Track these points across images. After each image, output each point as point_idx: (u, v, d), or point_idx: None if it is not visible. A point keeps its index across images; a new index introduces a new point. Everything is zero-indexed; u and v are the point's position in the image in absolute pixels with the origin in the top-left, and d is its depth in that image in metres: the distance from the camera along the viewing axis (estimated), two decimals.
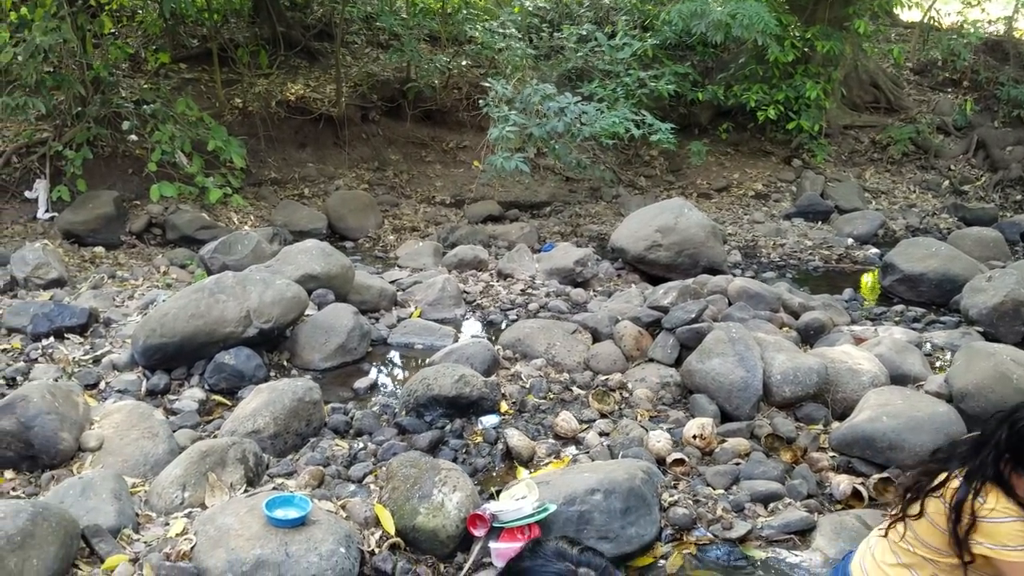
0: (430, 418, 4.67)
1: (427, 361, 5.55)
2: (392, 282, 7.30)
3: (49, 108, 8.26)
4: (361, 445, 4.40)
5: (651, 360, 5.48)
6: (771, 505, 3.84)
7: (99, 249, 8.24)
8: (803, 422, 4.68)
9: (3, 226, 8.32)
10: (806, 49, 11.85)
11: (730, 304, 6.04)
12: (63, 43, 7.62)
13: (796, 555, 3.53)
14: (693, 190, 11.70)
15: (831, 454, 4.32)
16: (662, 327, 5.57)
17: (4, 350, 5.59)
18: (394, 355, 6.10)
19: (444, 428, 4.59)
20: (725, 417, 4.75)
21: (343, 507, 3.65)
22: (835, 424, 4.59)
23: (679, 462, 4.17)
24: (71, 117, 8.61)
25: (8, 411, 4.01)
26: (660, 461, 4.23)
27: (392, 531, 3.48)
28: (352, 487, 3.88)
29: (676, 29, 10.93)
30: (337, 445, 4.41)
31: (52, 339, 5.71)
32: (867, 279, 8.42)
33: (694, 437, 4.39)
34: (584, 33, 10.87)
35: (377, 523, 3.54)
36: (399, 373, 5.83)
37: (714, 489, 3.95)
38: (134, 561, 3.19)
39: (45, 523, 2.96)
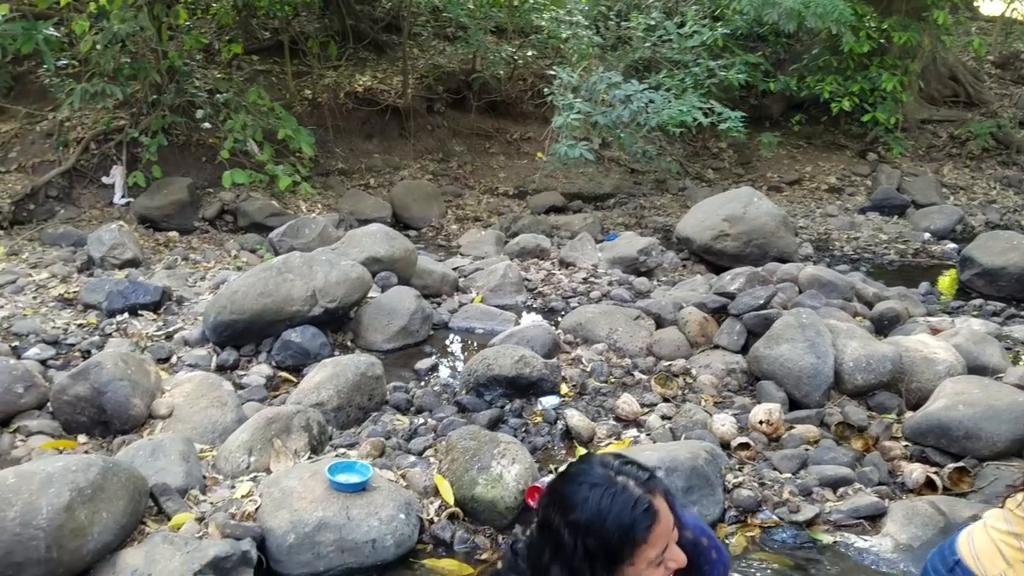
0: (490, 397, 4.66)
1: (488, 344, 5.54)
2: (454, 269, 7.33)
3: (126, 96, 8.53)
4: (421, 421, 4.42)
5: (716, 347, 5.36)
6: (840, 490, 3.71)
7: (173, 234, 8.48)
8: (875, 411, 4.52)
9: (81, 211, 8.63)
10: (882, 40, 11.47)
11: (800, 292, 5.88)
12: (140, 31, 7.86)
13: (865, 540, 3.40)
14: (763, 183, 11.45)
15: (904, 443, 4.15)
16: (728, 313, 5.45)
17: (80, 325, 5.79)
18: (455, 339, 6.12)
19: (504, 408, 4.57)
20: (793, 405, 4.61)
21: (403, 476, 3.67)
22: (908, 414, 4.42)
23: (744, 446, 4.07)
24: (147, 105, 8.88)
25: (82, 377, 4.14)
26: (724, 445, 4.13)
27: (451, 501, 3.48)
28: (412, 459, 3.89)
29: (747, 18, 10.69)
30: (398, 420, 4.43)
31: (126, 315, 5.89)
32: (944, 274, 8.10)
33: (760, 422, 4.27)
34: (653, 23, 10.73)
35: (436, 493, 3.55)
36: (460, 356, 5.84)
37: (781, 473, 3.84)
38: (200, 520, 3.26)
39: (115, 478, 3.04)
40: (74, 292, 6.34)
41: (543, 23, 10.00)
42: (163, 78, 8.87)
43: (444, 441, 3.90)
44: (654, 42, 10.61)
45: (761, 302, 5.26)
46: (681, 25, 10.75)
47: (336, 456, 3.78)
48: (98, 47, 7.81)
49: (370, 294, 5.99)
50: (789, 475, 3.81)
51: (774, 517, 3.53)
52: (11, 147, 9.06)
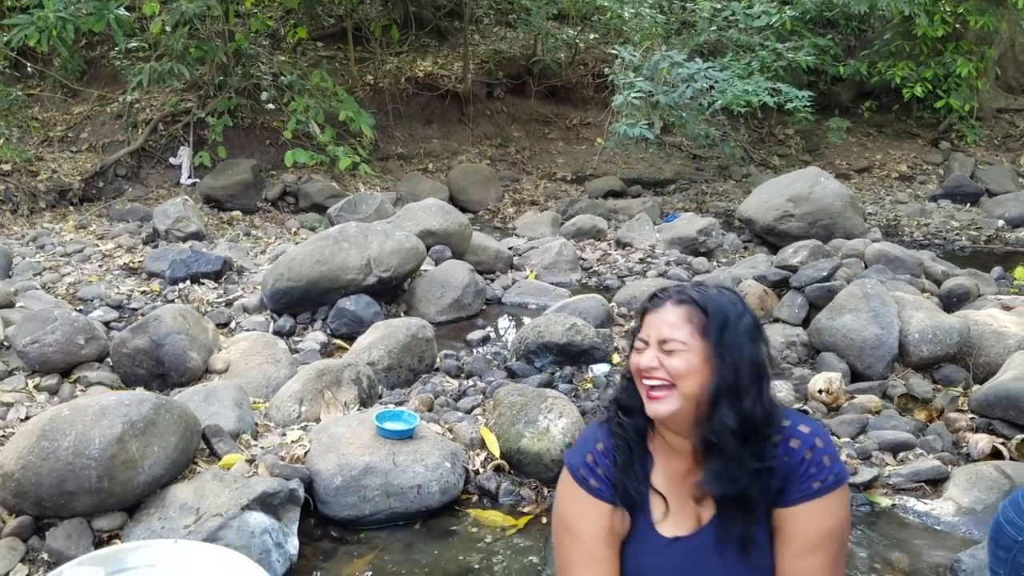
0: (540, 364, 4.62)
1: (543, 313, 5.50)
2: (509, 248, 7.30)
3: (194, 77, 8.75)
4: (471, 383, 4.40)
5: (776, 320, 5.21)
6: (901, 455, 3.55)
7: (236, 213, 8.67)
8: (940, 384, 4.32)
9: (149, 190, 8.88)
10: (957, 25, 11.06)
11: (866, 268, 5.68)
12: (207, 11, 8.04)
13: (925, 503, 3.24)
14: (831, 170, 11.10)
15: (970, 416, 3.95)
16: (790, 286, 5.30)
17: (144, 292, 5.95)
18: (507, 313, 6.09)
19: (554, 374, 4.52)
20: (856, 377, 4.44)
21: (450, 430, 3.66)
22: (975, 387, 4.21)
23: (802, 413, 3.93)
24: (214, 87, 9.10)
25: (141, 330, 4.24)
26: None
27: (497, 453, 3.45)
28: (460, 414, 3.87)
29: (817, 1, 10.42)
30: (447, 382, 4.43)
31: (188, 283, 6.03)
32: (1020, 262, 7.74)
33: (820, 391, 4.13)
34: (719, 6, 10.54)
35: (482, 445, 3.53)
36: (511, 328, 5.81)
37: (839, 437, 3.69)
38: (250, 461, 3.29)
39: (167, 415, 3.09)
40: (139, 261, 6.53)
41: (605, 3, 9.90)
42: (230, 60, 9.07)
43: (492, 399, 3.87)
44: (720, 24, 10.42)
45: (824, 274, 5.10)
46: (749, 7, 10.54)
47: (385, 408, 3.79)
48: (167, 29, 8.02)
49: (424, 267, 6.01)
50: (847, 439, 3.67)
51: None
52: (83, 128, 9.39)
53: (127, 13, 7.65)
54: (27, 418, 3.61)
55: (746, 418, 1.46)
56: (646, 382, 1.50)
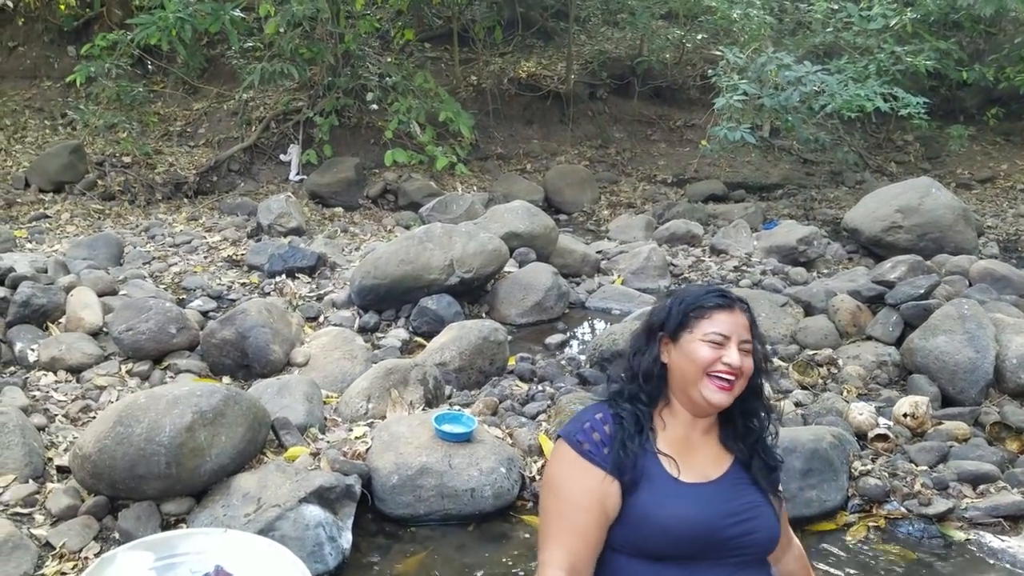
0: None
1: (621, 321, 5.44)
2: (598, 252, 7.24)
3: (304, 77, 9.09)
4: (540, 389, 4.39)
5: (869, 338, 4.96)
6: (981, 487, 3.33)
7: (338, 209, 8.95)
8: None
9: (259, 185, 9.30)
10: None
11: (970, 286, 5.33)
12: (317, 13, 8.33)
13: (1003, 540, 3.03)
14: (951, 179, 10.52)
15: None
16: (885, 303, 5.03)
17: (243, 283, 6.23)
18: (589, 318, 6.05)
19: None
20: (946, 401, 4.19)
21: (510, 435, 3.67)
22: None
23: (882, 438, 3.73)
24: (323, 87, 9.43)
25: (229, 322, 4.45)
26: (861, 436, 3.81)
27: None
28: (523, 420, 3.88)
29: (940, 3, 9.83)
30: (517, 386, 4.44)
31: (284, 277, 6.27)
32: None
33: (904, 415, 3.90)
34: (835, 7, 10.09)
35: (540, 452, 3.52)
36: (591, 334, 5.76)
37: (916, 465, 3.49)
38: (314, 455, 3.41)
39: (236, 406, 3.23)
40: (241, 254, 6.84)
41: (713, 3, 9.66)
42: (338, 62, 9.37)
43: (555, 406, 3.85)
44: (836, 26, 9.99)
45: (921, 291, 4.81)
46: (867, 9, 10.05)
47: (449, 410, 3.83)
48: (281, 30, 8.37)
49: (507, 268, 6.04)
50: (925, 468, 3.47)
51: (902, 509, 3.24)
52: (200, 123, 9.93)
53: (242, 14, 8.02)
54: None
55: (761, 396, 1.76)
56: (722, 376, 1.64)
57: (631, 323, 4.78)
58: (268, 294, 6.00)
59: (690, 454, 1.68)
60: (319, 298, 5.99)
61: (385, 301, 5.64)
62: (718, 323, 1.66)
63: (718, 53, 8.76)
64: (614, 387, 1.74)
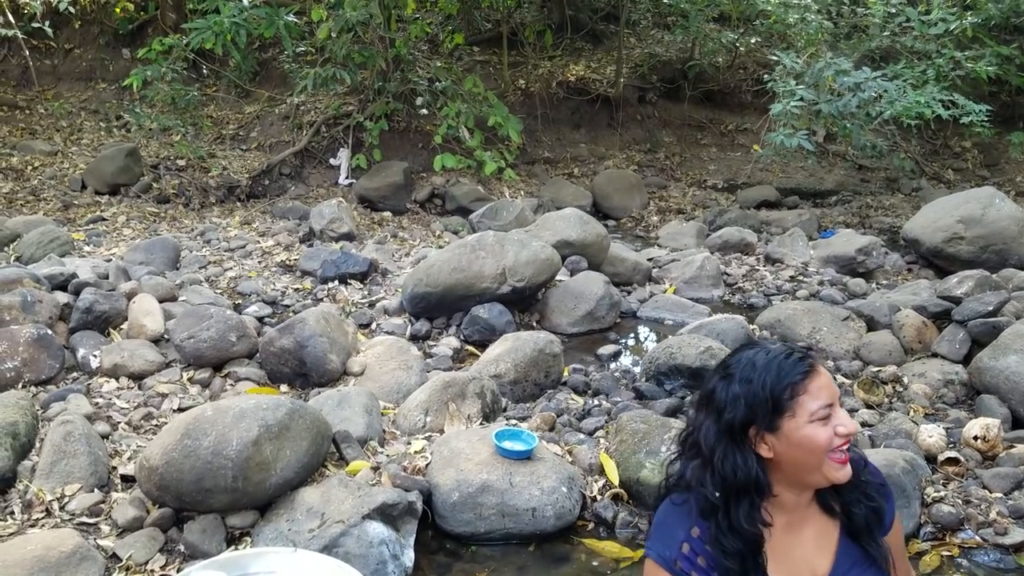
0: (670, 387, 4.49)
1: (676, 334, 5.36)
2: (649, 259, 7.16)
3: (355, 82, 9.13)
4: (596, 403, 4.34)
5: (935, 355, 4.83)
6: None
7: (387, 214, 8.99)
8: None
9: (310, 188, 9.37)
10: None
11: None
12: (370, 18, 8.37)
13: None
14: (1011, 187, 10.21)
15: None
16: (952, 319, 4.90)
17: (296, 289, 6.27)
18: (642, 328, 5.97)
19: (684, 399, 4.38)
20: (1017, 423, 4.06)
21: (570, 452, 3.63)
22: None
23: (953, 461, 3.62)
24: (373, 92, 9.47)
25: (288, 331, 4.47)
26: (931, 459, 3.70)
27: (616, 481, 3.39)
28: (581, 436, 3.83)
29: (1003, 6, 9.55)
30: (572, 400, 4.39)
31: (337, 283, 6.30)
32: None
33: (975, 438, 3.78)
34: (893, 11, 9.87)
35: (601, 472, 3.47)
36: (644, 345, 5.69)
37: (991, 492, 3.38)
38: (375, 469, 3.40)
39: (301, 420, 3.24)
40: (294, 260, 6.89)
41: (769, 7, 9.50)
42: (389, 66, 9.41)
43: (615, 423, 3.80)
44: (893, 30, 9.77)
45: (990, 308, 4.68)
46: (926, 13, 9.82)
47: (506, 424, 3.80)
48: (333, 34, 8.42)
49: (559, 277, 6.00)
50: (1000, 495, 3.36)
51: (976, 538, 3.13)
52: (253, 127, 10.05)
53: (296, 19, 8.09)
54: (180, 409, 3.89)
55: None
56: (843, 448, 1.50)
57: (688, 337, 4.70)
58: (321, 300, 6.03)
59: (796, 541, 1.53)
60: (371, 305, 6.01)
61: (437, 309, 5.63)
62: (817, 394, 1.49)
63: (773, 58, 8.61)
64: (704, 504, 1.55)
